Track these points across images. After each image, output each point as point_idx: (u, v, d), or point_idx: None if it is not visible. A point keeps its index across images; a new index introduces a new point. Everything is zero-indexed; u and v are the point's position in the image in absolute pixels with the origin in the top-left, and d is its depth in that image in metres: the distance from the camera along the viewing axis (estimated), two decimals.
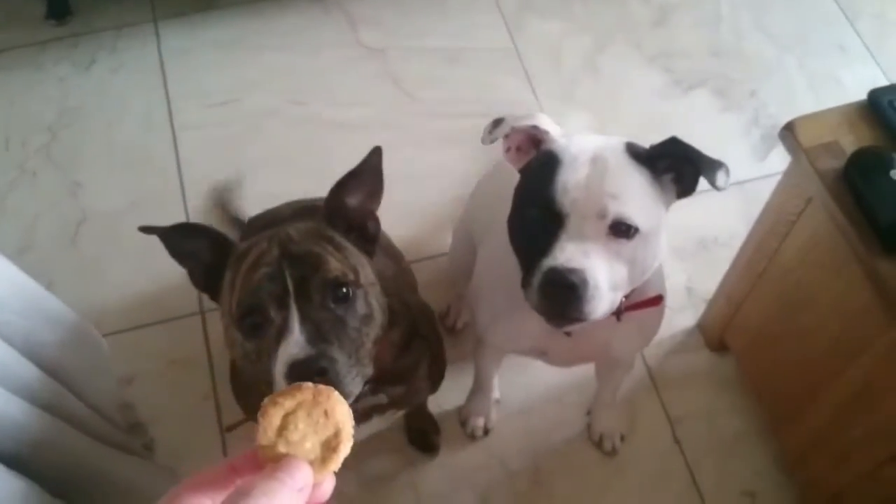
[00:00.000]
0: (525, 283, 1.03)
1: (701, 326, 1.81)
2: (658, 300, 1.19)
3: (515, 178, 1.12)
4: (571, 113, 2.16)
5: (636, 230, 0.98)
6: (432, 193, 2.01)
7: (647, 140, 2.14)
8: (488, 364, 1.59)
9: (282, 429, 0.51)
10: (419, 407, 1.62)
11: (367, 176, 1.08)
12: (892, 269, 1.10)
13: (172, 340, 1.81)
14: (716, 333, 1.74)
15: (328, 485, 0.51)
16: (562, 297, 0.97)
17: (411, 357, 1.23)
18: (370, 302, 1.02)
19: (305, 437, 0.51)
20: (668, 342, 1.82)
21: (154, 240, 1.05)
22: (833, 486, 1.41)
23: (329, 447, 0.52)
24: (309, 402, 0.53)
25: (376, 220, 1.11)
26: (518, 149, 1.11)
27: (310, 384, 0.56)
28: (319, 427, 0.52)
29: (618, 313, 1.09)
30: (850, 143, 1.21)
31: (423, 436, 1.68)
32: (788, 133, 1.25)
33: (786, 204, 1.34)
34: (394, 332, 1.16)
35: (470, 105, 2.17)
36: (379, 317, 1.03)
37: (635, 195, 1.00)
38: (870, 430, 1.27)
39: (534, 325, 1.12)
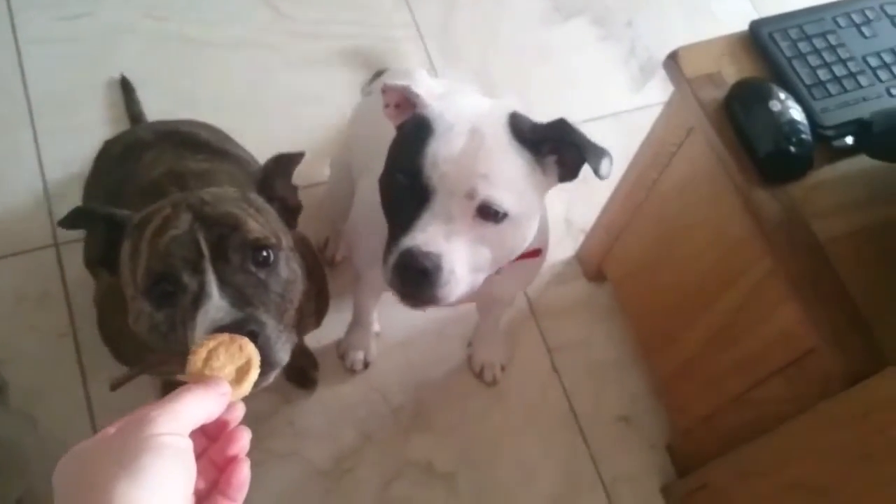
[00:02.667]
0: (384, 258, 0.99)
1: (579, 257, 1.83)
2: (537, 253, 1.17)
3: None
4: (451, 40, 2.10)
5: (505, 215, 0.93)
6: (307, 119, 1.92)
7: (530, 72, 2.13)
8: (366, 299, 1.55)
9: (206, 360, 0.65)
10: (297, 342, 1.56)
11: (290, 166, 1.05)
12: (768, 199, 1.12)
13: (23, 275, 1.66)
14: (594, 264, 1.76)
15: (241, 407, 0.63)
16: (414, 280, 0.93)
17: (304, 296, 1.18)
18: (292, 266, 0.98)
19: (224, 366, 0.65)
20: (547, 273, 1.83)
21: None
22: (703, 410, 1.46)
23: (242, 373, 0.65)
24: (227, 341, 0.69)
25: (295, 194, 1.08)
26: (397, 106, 1.05)
27: (227, 335, 0.70)
28: (235, 358, 0.66)
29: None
30: (731, 74, 1.22)
31: (301, 372, 1.63)
32: (672, 63, 1.24)
33: (667, 134, 1.34)
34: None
35: (345, 27, 2.07)
36: (301, 282, 1.00)
37: (509, 178, 0.94)
38: (739, 357, 1.31)
39: None
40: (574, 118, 2.03)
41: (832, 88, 1.19)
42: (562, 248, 1.86)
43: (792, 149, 1.12)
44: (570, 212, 1.91)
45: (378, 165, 1.05)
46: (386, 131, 1.06)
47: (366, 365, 1.67)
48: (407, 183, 0.94)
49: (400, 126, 1.04)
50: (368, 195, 1.19)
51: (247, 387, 0.65)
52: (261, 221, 0.96)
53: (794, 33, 1.24)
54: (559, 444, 1.66)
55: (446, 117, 0.96)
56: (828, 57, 1.22)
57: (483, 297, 1.34)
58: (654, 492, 1.62)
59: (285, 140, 1.85)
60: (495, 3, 2.18)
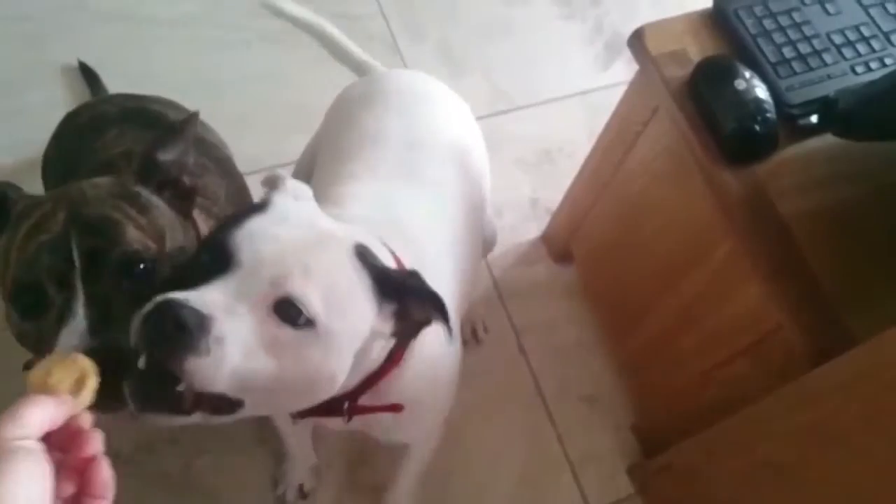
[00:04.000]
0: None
1: (545, 237, 1.82)
2: (395, 408, 0.97)
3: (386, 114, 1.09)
4: (413, 17, 2.06)
5: (309, 322, 0.74)
6: (264, 99, 1.88)
7: (493, 50, 2.10)
8: (286, 430, 1.37)
9: (46, 375, 0.65)
10: None
11: (182, 139, 0.96)
12: (732, 179, 1.12)
13: None
14: (560, 244, 1.75)
15: (86, 416, 0.65)
16: (164, 338, 0.69)
17: None
18: (170, 272, 0.89)
19: (62, 379, 0.65)
20: (513, 253, 1.82)
21: None
22: (668, 390, 1.46)
23: (79, 384, 0.66)
24: (60, 358, 0.68)
25: (191, 174, 0.98)
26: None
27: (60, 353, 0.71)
28: (70, 371, 0.66)
29: (349, 413, 0.92)
30: (696, 52, 1.21)
31: None
32: (636, 40, 1.22)
33: (632, 113, 1.33)
34: None
35: (304, 3, 2.02)
36: None
37: (332, 288, 0.76)
38: (704, 336, 1.31)
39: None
40: (540, 97, 2.04)
41: (797, 66, 1.18)
42: (527, 229, 1.85)
43: (757, 127, 1.11)
44: (536, 191, 1.90)
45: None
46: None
47: (304, 496, 1.50)
48: (210, 255, 0.77)
49: (234, 211, 0.91)
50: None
51: (86, 395, 0.66)
52: (143, 224, 0.87)
53: (758, 10, 1.23)
54: (526, 424, 1.65)
55: (289, 209, 0.83)
56: (792, 34, 1.21)
57: (372, 435, 1.17)
58: (620, 471, 1.62)
59: (242, 118, 1.82)
60: None
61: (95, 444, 0.64)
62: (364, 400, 0.94)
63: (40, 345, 0.82)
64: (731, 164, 1.12)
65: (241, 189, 1.41)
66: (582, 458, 1.63)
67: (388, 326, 0.83)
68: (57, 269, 0.80)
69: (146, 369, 0.72)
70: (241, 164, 1.71)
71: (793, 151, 1.14)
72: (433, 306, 0.82)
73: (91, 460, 0.63)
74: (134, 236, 0.85)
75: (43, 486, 0.58)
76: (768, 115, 1.12)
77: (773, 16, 1.22)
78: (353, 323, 0.79)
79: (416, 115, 1.24)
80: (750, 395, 1.18)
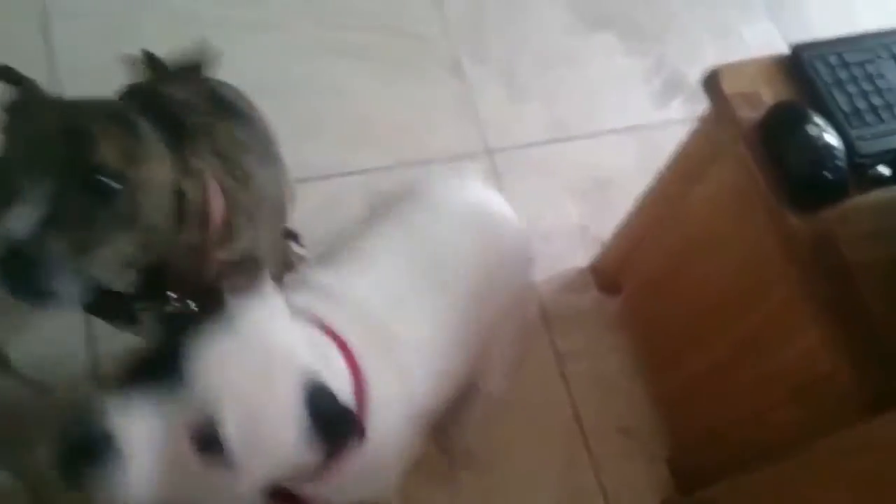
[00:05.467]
0: None
1: (593, 266, 1.83)
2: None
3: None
4: (480, 40, 2.10)
5: (223, 453, 0.74)
6: (330, 109, 1.92)
7: (555, 78, 2.13)
8: None
9: None
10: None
11: (192, 73, 1.01)
12: (798, 223, 1.13)
13: None
14: (608, 274, 1.76)
15: None
16: (73, 445, 0.72)
17: (238, 278, 1.11)
18: (138, 201, 0.90)
19: None
20: (560, 279, 1.84)
21: None
22: (709, 427, 1.47)
23: None
24: None
25: (194, 111, 1.01)
26: None
27: None
28: None
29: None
30: (770, 96, 1.23)
31: None
32: (711, 80, 1.25)
33: (698, 150, 1.35)
34: (223, 252, 1.08)
35: (373, 20, 2.07)
36: (153, 220, 0.92)
37: (261, 423, 0.76)
38: (753, 377, 1.32)
39: None
40: (596, 128, 2.07)
41: (869, 118, 1.20)
42: (576, 257, 1.86)
43: (827, 174, 1.13)
44: (586, 220, 1.91)
45: None
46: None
47: None
48: (166, 354, 0.77)
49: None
50: None
51: None
52: (121, 145, 0.89)
53: (833, 60, 1.25)
54: (562, 451, 1.66)
55: (252, 327, 0.82)
56: (866, 86, 1.23)
57: None
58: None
59: (306, 125, 1.86)
60: (523, 9, 2.18)
61: None
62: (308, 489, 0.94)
63: None
64: (798, 208, 1.14)
65: (276, 180, 1.36)
66: (616, 489, 1.63)
67: (315, 455, 0.83)
68: (28, 160, 0.86)
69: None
70: (303, 170, 1.75)
71: (860, 200, 1.16)
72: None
73: None
74: (106, 151, 0.88)
75: None
76: (839, 162, 1.14)
77: (847, 66, 1.24)
78: (271, 459, 0.79)
79: (449, 225, 1.20)
80: (796, 438, 1.19)
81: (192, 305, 1.06)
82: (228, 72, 1.88)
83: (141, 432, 0.72)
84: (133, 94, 0.97)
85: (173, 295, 1.03)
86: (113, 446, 0.71)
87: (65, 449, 0.72)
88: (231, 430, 0.73)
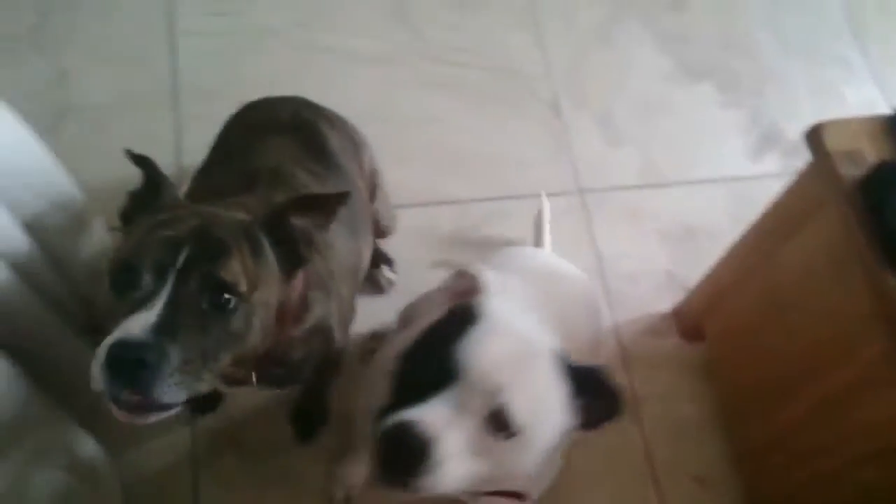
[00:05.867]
0: (373, 423, 0.91)
1: (677, 312, 1.84)
2: (516, 497, 1.07)
3: None
4: (578, 83, 2.15)
5: (517, 432, 0.86)
6: (429, 139, 1.99)
7: (651, 125, 2.16)
8: (365, 438, 1.42)
9: None
10: (316, 392, 1.56)
11: (324, 209, 1.02)
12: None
13: None
14: (691, 321, 1.76)
15: None
16: (397, 457, 0.85)
17: (302, 351, 1.16)
18: (251, 322, 0.95)
19: None
20: (643, 322, 1.85)
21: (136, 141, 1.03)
22: (787, 484, 1.45)
23: None
24: None
25: (310, 246, 1.03)
26: (458, 293, 1.05)
27: None
28: None
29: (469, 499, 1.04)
30: (872, 154, 1.23)
31: (306, 420, 1.60)
32: (814, 135, 1.25)
33: (795, 204, 1.35)
34: (296, 329, 1.11)
35: (478, 57, 2.14)
36: (253, 339, 0.96)
37: (537, 400, 0.89)
38: (837, 434, 1.30)
39: None
40: (689, 176, 2.08)
41: None
42: (661, 301, 1.87)
43: None
44: (673, 266, 1.92)
45: None
46: None
47: (347, 499, 1.56)
48: (434, 363, 0.89)
49: (451, 308, 1.01)
50: None
51: None
52: (247, 265, 0.93)
53: None
54: (632, 493, 1.66)
55: (497, 318, 0.94)
56: None
57: None
58: None
59: (406, 153, 1.93)
60: (624, 55, 2.23)
61: None
62: None
63: (111, 320, 0.88)
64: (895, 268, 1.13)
65: (356, 252, 1.40)
66: None
67: (573, 421, 0.94)
68: (161, 262, 0.88)
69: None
70: (399, 196, 1.82)
71: None
72: (614, 404, 0.93)
73: None
74: (234, 269, 0.91)
75: None
76: None
77: None
78: (551, 428, 0.91)
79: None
80: (880, 499, 1.17)
81: (253, 377, 1.12)
82: (337, 98, 1.98)
83: (445, 428, 0.84)
84: (269, 216, 1.00)
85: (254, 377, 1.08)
86: (429, 445, 0.83)
87: (388, 457, 0.85)
88: (516, 409, 0.85)
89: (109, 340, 0.83)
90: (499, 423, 0.86)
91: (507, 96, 2.09)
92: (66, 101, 1.91)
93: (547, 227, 1.72)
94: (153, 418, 0.89)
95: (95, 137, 1.86)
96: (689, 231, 1.98)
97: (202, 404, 1.59)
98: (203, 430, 1.59)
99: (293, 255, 1.02)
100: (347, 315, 1.33)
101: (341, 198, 1.01)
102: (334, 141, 1.42)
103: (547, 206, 1.76)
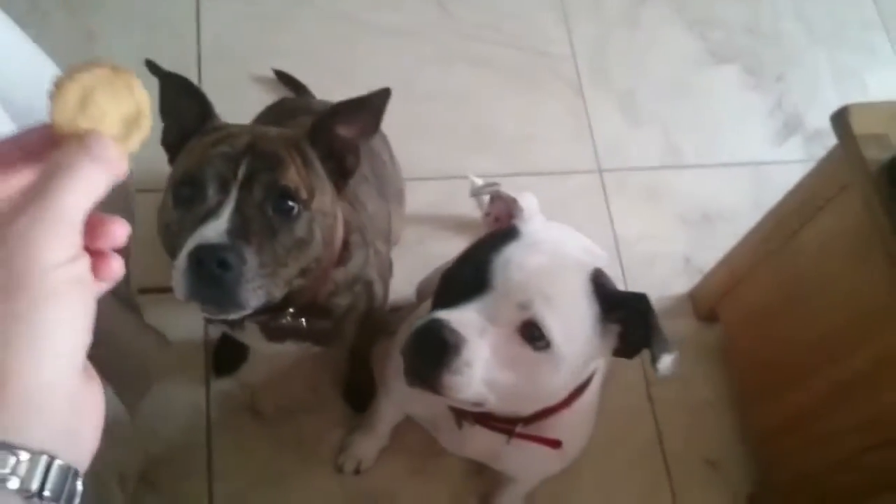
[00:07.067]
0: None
1: (693, 295, 1.83)
2: (555, 444, 1.07)
3: None
4: (602, 63, 2.14)
5: (547, 344, 0.87)
6: (452, 115, 1.99)
7: (674, 108, 2.14)
8: (385, 411, 1.46)
9: (82, 105, 0.48)
10: (361, 360, 1.58)
11: (367, 113, 1.02)
12: None
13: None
14: (708, 303, 1.76)
15: (125, 164, 0.47)
16: (428, 353, 0.86)
17: (347, 299, 1.17)
18: (313, 229, 0.97)
19: (106, 113, 0.48)
20: (659, 304, 1.80)
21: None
22: (801, 468, 1.45)
23: (130, 124, 0.49)
24: (109, 76, 0.49)
25: (357, 157, 1.05)
26: (497, 218, 1.06)
27: (108, 64, 0.50)
28: (121, 103, 0.49)
29: (508, 434, 1.04)
30: None
31: (357, 392, 1.61)
32: (840, 118, 1.24)
33: (818, 187, 1.35)
34: (339, 272, 1.12)
35: (504, 35, 2.13)
36: (316, 248, 0.99)
37: (569, 313, 0.89)
38: (855, 421, 1.30)
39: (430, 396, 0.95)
40: (711, 160, 2.07)
41: None
42: (677, 284, 1.87)
43: None
44: (690, 249, 1.92)
45: None
46: None
47: (357, 471, 1.57)
48: (470, 274, 0.91)
49: (492, 232, 1.03)
50: None
51: (134, 143, 0.50)
52: (302, 174, 0.96)
53: None
54: (642, 473, 1.67)
55: (537, 235, 0.95)
56: None
57: (494, 465, 1.29)
58: None
59: (427, 129, 1.93)
60: (650, 36, 2.21)
61: (117, 236, 0.47)
62: (530, 429, 1.04)
63: (178, 237, 0.91)
64: None
65: (387, 215, 1.44)
66: None
67: (608, 347, 0.94)
68: (223, 175, 0.92)
69: None
70: (418, 171, 1.83)
71: None
72: (654, 331, 0.90)
73: (100, 252, 0.47)
74: (293, 177, 0.95)
75: (90, 321, 0.44)
76: None
77: None
78: (581, 345, 0.91)
79: None
80: (892, 485, 1.17)
81: (304, 322, 1.13)
82: (363, 71, 1.99)
83: (476, 332, 0.86)
84: (314, 127, 1.02)
85: (291, 310, 1.09)
86: (459, 345, 0.85)
87: (418, 352, 0.88)
88: (548, 322, 0.86)
89: (189, 246, 0.87)
90: (530, 335, 0.87)
91: (532, 74, 2.08)
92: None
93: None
94: (233, 315, 0.94)
95: None
96: (707, 214, 1.97)
97: (225, 361, 1.61)
98: (218, 393, 1.61)
99: (341, 167, 1.04)
100: (386, 272, 1.35)
101: (383, 95, 1.00)
102: None
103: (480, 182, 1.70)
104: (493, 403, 0.92)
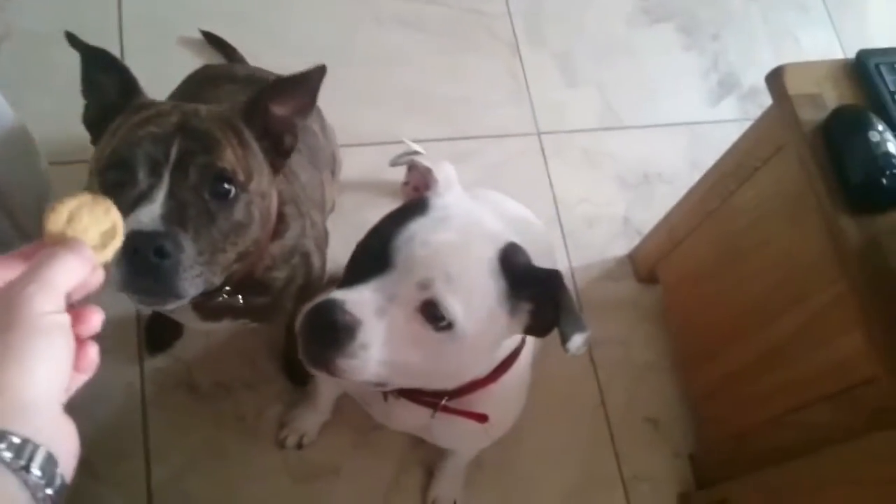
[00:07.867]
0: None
1: (633, 257, 1.84)
2: (481, 418, 1.05)
3: None
4: (538, 24, 2.10)
5: (449, 324, 0.83)
6: (385, 78, 1.94)
7: (610, 67, 2.12)
8: (324, 385, 1.44)
9: (69, 221, 0.60)
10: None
11: (303, 90, 0.98)
12: (852, 226, 1.13)
13: (79, 186, 1.68)
14: (648, 265, 1.77)
15: (100, 273, 0.60)
16: (320, 335, 0.82)
17: (284, 272, 1.14)
18: (251, 212, 0.94)
19: (88, 228, 0.60)
20: (598, 267, 1.85)
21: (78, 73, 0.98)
22: (736, 426, 1.48)
23: (107, 238, 0.61)
24: (90, 202, 0.62)
25: (295, 136, 1.02)
26: (416, 188, 1.01)
27: (90, 195, 0.63)
28: (100, 221, 0.61)
29: (433, 408, 1.02)
30: (832, 99, 1.22)
31: (296, 366, 1.55)
32: (775, 78, 1.24)
33: (754, 148, 1.35)
34: (276, 245, 1.09)
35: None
36: (255, 231, 0.96)
37: (471, 292, 0.84)
38: (788, 378, 1.32)
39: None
40: (647, 120, 2.07)
41: None
42: (616, 246, 1.88)
43: (884, 181, 1.13)
44: (629, 210, 1.92)
45: None
46: None
47: (300, 447, 1.54)
48: (374, 250, 0.87)
49: (406, 202, 0.99)
50: None
51: (109, 252, 0.62)
52: (238, 155, 0.92)
53: None
54: (585, 435, 1.68)
55: (447, 210, 0.91)
56: None
57: (426, 437, 1.27)
58: (671, 497, 1.64)
59: (361, 92, 1.88)
60: None
61: (93, 323, 0.58)
62: (457, 404, 1.01)
63: None
64: (853, 212, 1.14)
65: (320, 184, 1.40)
66: (635, 477, 1.65)
67: (519, 325, 0.90)
68: (153, 157, 0.87)
69: None
70: (354, 137, 1.78)
71: None
72: (564, 311, 0.86)
73: (80, 341, 0.57)
74: (230, 159, 0.91)
75: (69, 363, 0.55)
76: None
77: None
78: (486, 324, 0.87)
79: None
80: (824, 441, 1.20)
81: (240, 299, 1.09)
82: (297, 35, 1.93)
83: (373, 313, 0.82)
84: (248, 105, 0.97)
85: (227, 288, 1.05)
86: (353, 327, 0.81)
87: (311, 334, 0.83)
88: (448, 301, 0.82)
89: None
90: (431, 314, 0.83)
91: (467, 35, 2.04)
92: (5, 26, 1.81)
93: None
94: (171, 305, 0.90)
95: (35, 68, 1.77)
96: (646, 176, 1.98)
97: (158, 338, 1.56)
98: (153, 370, 1.55)
99: (277, 147, 1.00)
100: (322, 242, 1.32)
101: (319, 73, 0.96)
102: None
103: (416, 147, 1.69)
104: (399, 383, 0.90)
